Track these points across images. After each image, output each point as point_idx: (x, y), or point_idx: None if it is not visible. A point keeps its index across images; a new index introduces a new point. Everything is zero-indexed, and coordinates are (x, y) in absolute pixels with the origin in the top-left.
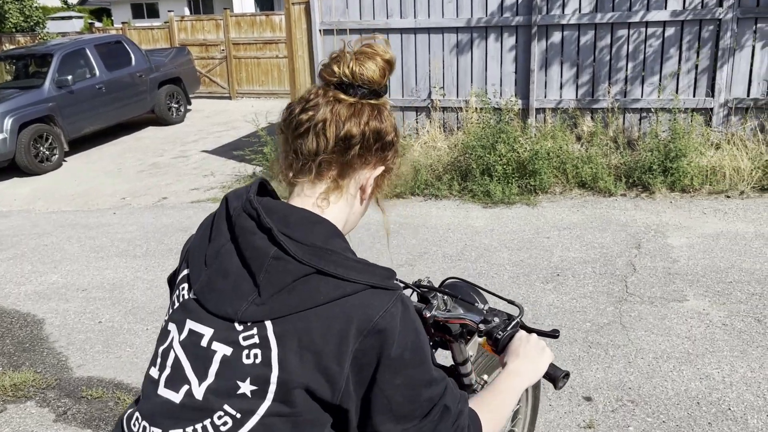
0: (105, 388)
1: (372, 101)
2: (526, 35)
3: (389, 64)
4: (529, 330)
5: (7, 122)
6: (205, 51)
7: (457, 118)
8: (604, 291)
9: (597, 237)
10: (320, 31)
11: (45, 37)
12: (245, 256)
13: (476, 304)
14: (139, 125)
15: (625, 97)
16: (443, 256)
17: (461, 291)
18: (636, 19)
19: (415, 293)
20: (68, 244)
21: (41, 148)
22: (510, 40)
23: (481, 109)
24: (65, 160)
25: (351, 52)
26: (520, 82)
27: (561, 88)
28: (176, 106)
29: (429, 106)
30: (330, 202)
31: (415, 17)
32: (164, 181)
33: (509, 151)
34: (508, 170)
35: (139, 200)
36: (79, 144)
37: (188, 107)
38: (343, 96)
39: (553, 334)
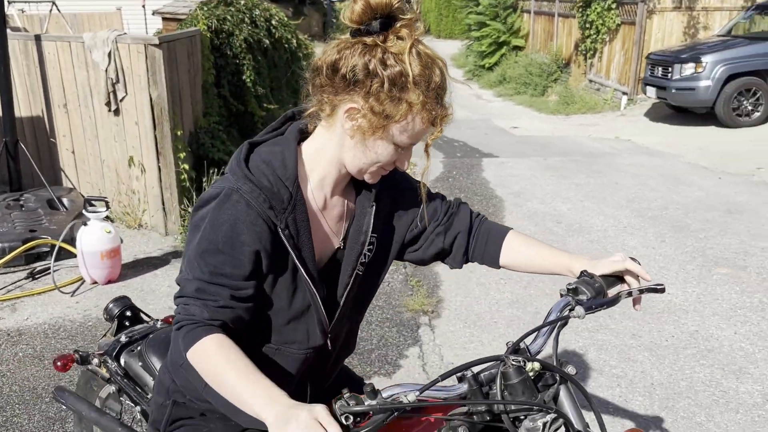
0: None
1: (360, 39)
2: None
3: (368, 6)
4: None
5: (716, 71)
6: None
7: None
8: None
9: None
10: None
11: None
12: None
13: None
14: None
15: None
16: None
17: None
18: None
19: None
20: (633, 191)
21: (744, 102)
22: None
23: None
24: None
25: None
26: None
27: None
28: None
29: None
30: (316, 126)
31: None
32: None
33: None
34: None
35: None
36: None
37: None
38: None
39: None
